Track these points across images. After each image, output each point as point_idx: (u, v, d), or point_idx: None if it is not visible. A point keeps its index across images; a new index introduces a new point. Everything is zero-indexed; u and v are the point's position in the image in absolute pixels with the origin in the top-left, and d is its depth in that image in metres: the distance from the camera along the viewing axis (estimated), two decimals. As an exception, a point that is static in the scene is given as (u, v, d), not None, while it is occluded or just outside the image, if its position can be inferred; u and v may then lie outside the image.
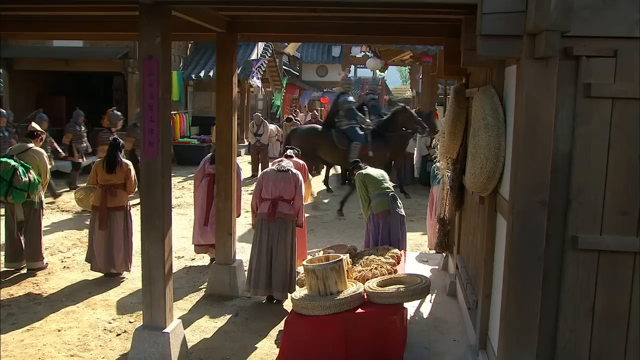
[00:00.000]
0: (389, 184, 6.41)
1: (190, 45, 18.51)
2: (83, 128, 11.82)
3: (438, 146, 6.00)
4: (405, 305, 5.38)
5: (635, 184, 3.05)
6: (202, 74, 17.57)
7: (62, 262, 7.07)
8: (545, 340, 3.18)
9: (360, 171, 6.45)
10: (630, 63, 2.99)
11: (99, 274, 6.53)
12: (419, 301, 5.56)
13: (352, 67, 34.65)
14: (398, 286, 4.66)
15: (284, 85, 22.89)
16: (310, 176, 6.99)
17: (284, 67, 28.48)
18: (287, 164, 6.03)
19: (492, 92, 3.79)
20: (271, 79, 21.55)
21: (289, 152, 7.10)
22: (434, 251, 7.18)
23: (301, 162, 7.02)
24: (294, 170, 5.91)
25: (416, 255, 7.42)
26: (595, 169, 3.06)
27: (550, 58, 2.92)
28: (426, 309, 5.49)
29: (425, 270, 6.62)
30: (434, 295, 5.82)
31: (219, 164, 5.98)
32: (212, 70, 17.92)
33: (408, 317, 5.26)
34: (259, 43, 19.00)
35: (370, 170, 6.46)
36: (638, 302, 3.10)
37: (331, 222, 9.91)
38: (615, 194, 3.07)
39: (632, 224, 3.07)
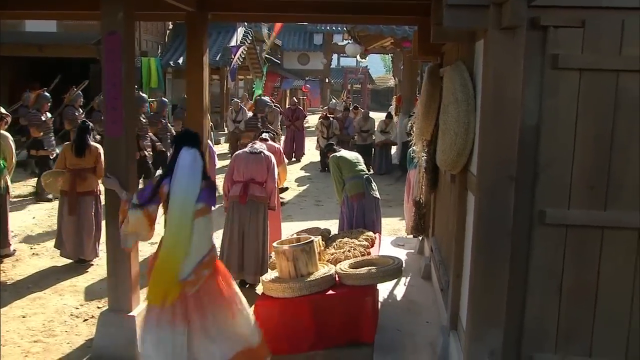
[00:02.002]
0: (364, 166, 6.33)
1: (168, 31, 18.24)
2: (81, 112, 11.19)
3: (413, 129, 5.93)
4: (379, 288, 5.33)
5: (603, 157, 2.99)
6: (180, 61, 17.31)
7: (31, 249, 6.91)
8: (513, 317, 3.13)
9: (334, 154, 6.36)
10: (598, 33, 2.92)
11: (68, 261, 6.38)
12: (392, 284, 5.51)
13: (335, 55, 34.47)
14: (370, 267, 4.59)
15: (265, 72, 22.68)
16: (286, 160, 6.88)
17: (265, 55, 28.30)
18: (259, 146, 5.93)
19: (461, 67, 3.72)
20: (251, 66, 21.32)
21: (264, 135, 7.00)
22: (411, 236, 7.14)
23: (276, 145, 6.92)
24: (267, 153, 5.81)
25: (392, 239, 7.37)
26: (563, 142, 3.01)
27: (517, 28, 2.85)
28: (400, 291, 5.44)
29: (401, 254, 6.53)
30: (409, 278, 5.77)
31: (190, 146, 5.84)
32: (191, 57, 17.68)
33: (381, 300, 5.22)
34: (238, 29, 18.77)
35: (345, 153, 6.38)
36: (606, 278, 3.06)
37: (309, 208, 9.83)
38: (583, 167, 3.02)
39: (600, 198, 3.02)
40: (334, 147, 6.59)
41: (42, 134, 9.79)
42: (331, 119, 14.14)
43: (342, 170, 6.24)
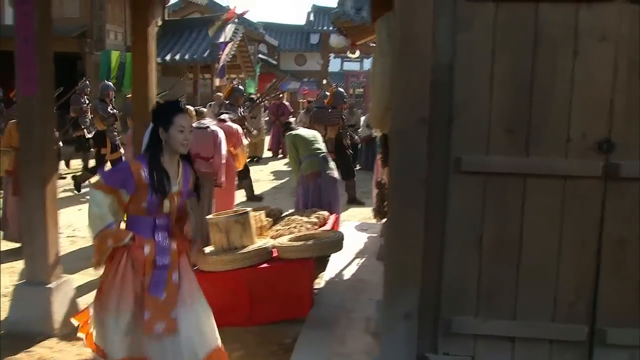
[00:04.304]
0: (321, 145, 6.08)
1: (157, 28, 18.09)
2: (87, 101, 10.90)
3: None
4: (330, 269, 5.08)
5: (523, 97, 2.72)
6: (168, 57, 17.17)
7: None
8: (431, 276, 2.84)
9: (290, 132, 6.12)
10: (514, -41, 2.66)
11: (14, 244, 6.14)
12: (343, 264, 5.25)
13: (339, 59, 34.19)
14: (307, 240, 4.33)
15: (257, 72, 22.49)
16: (245, 141, 6.63)
17: (261, 56, 28.12)
18: (208, 121, 5.69)
19: (389, 17, 3.44)
20: (243, 65, 21.15)
21: (223, 116, 6.77)
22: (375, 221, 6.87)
23: (234, 126, 6.67)
24: (214, 127, 5.57)
25: (356, 224, 7.09)
26: (479, 81, 2.73)
27: (424, -46, 2.60)
28: (350, 271, 5.17)
29: (362, 238, 6.29)
30: (363, 259, 5.49)
31: (136, 121, 5.62)
32: (178, 54, 17.56)
33: (327, 278, 4.96)
34: (228, 26, 18.62)
35: (301, 131, 6.14)
36: (530, 231, 2.78)
37: (283, 199, 9.55)
38: (501, 109, 2.74)
39: (521, 142, 2.74)
40: (291, 125, 6.34)
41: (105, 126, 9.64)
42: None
43: (298, 148, 6.00)
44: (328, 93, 10.47)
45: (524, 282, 2.81)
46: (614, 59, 2.66)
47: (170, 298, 2.93)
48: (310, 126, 10.69)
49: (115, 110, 9.77)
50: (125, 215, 3.02)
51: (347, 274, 5.08)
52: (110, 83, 10.28)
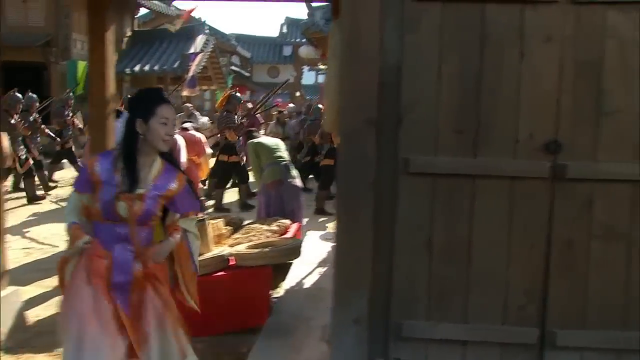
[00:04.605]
0: (284, 153, 6.02)
1: (126, 39, 17.91)
2: (70, 113, 10.71)
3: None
4: (290, 278, 5.00)
5: (471, 98, 2.71)
6: (137, 68, 16.98)
7: None
8: (381, 279, 2.79)
9: (252, 140, 6.05)
10: (459, -41, 2.66)
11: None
12: (304, 272, 5.18)
13: (314, 72, 34.23)
14: (264, 248, 4.26)
15: (229, 84, 22.38)
16: (207, 151, 6.55)
17: (234, 67, 28.03)
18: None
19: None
20: (214, 76, 21.01)
21: (186, 124, 6.70)
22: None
23: (197, 135, 6.59)
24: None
25: (321, 234, 7.02)
26: (427, 82, 2.71)
27: (370, -47, 2.58)
28: (311, 280, 5.09)
29: (326, 247, 6.22)
30: (325, 268, 5.42)
31: (93, 129, 5.48)
32: (148, 65, 17.38)
33: (288, 287, 4.88)
34: (198, 37, 18.52)
35: (264, 139, 6.08)
36: (479, 233, 2.75)
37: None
38: (450, 110, 2.72)
39: (469, 143, 2.72)
40: (254, 133, 6.28)
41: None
42: (287, 119, 13.80)
43: (260, 156, 5.93)
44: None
45: (475, 285, 2.78)
46: (559, 60, 2.67)
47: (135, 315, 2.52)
48: (304, 137, 10.73)
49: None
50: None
51: (308, 283, 5.01)
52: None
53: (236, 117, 9.27)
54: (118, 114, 6.81)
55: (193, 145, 6.17)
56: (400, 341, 2.80)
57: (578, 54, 2.66)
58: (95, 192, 2.51)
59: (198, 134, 6.59)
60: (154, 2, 18.35)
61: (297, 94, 33.80)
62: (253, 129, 7.08)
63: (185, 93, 15.70)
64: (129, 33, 18.18)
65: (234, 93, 9.73)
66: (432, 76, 2.70)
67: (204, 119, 14.71)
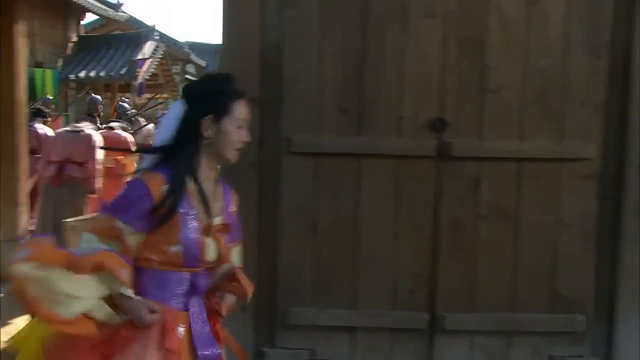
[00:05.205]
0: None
1: (71, 43, 17.48)
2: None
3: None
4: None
5: (355, 75, 2.63)
6: (82, 74, 16.55)
7: None
8: (266, 265, 2.67)
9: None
10: None
11: None
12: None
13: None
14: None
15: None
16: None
17: (189, 76, 27.64)
18: (84, 125, 5.38)
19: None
20: (166, 84, 20.68)
21: (112, 124, 6.50)
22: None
23: (123, 134, 6.38)
24: (88, 131, 5.25)
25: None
26: (308, 58, 2.62)
27: None
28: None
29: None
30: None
31: (3, 126, 5.24)
32: (94, 71, 16.97)
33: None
34: (147, 43, 18.20)
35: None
36: (366, 216, 2.66)
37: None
38: (333, 88, 2.64)
39: (353, 122, 2.64)
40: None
41: None
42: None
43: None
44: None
45: (363, 269, 2.68)
46: (442, 36, 2.61)
47: None
48: None
49: (104, 125, 9.27)
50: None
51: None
52: (99, 97, 9.71)
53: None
54: (38, 113, 6.58)
55: (118, 144, 5.97)
56: (287, 329, 2.68)
57: (461, 30, 2.62)
58: (163, 229, 1.57)
59: (124, 134, 6.37)
60: (100, 6, 17.95)
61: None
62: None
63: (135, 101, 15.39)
64: (74, 38, 17.73)
65: (120, 103, 9.68)
66: (313, 53, 2.62)
67: (150, 126, 14.41)
